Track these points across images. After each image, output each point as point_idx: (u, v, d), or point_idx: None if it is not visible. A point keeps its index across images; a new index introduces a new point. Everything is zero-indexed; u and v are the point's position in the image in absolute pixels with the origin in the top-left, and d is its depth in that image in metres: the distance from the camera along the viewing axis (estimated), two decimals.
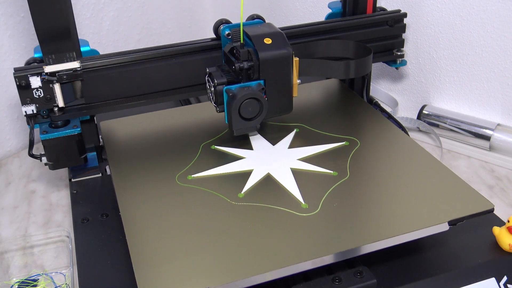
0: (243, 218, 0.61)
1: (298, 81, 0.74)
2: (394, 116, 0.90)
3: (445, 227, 0.58)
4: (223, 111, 0.71)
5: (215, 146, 0.75)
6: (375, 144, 0.74)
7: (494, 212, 0.70)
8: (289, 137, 0.76)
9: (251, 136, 0.77)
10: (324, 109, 0.82)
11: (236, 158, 0.72)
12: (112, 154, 0.74)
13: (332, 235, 0.58)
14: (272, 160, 0.72)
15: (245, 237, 0.58)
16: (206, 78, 0.72)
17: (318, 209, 0.62)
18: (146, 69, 0.76)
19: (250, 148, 0.74)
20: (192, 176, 0.69)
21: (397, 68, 0.99)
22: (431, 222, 0.58)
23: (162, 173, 0.69)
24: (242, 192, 0.66)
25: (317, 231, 0.59)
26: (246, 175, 0.69)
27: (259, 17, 0.78)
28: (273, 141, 0.76)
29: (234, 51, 0.72)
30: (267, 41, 0.69)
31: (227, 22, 0.77)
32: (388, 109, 1.03)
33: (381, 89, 1.09)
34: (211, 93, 0.72)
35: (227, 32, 0.75)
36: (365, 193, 0.64)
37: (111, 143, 0.76)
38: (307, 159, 0.71)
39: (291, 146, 0.74)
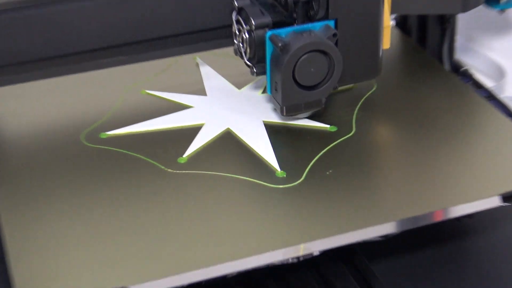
0: (182, 193, 0.50)
1: (391, 22, 0.60)
2: (498, 97, 0.68)
3: (495, 201, 0.50)
4: (264, 73, 0.53)
5: (147, 91, 0.62)
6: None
7: None
8: (264, 78, 0.57)
9: (203, 74, 0.63)
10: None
11: (179, 107, 0.59)
12: None
13: (321, 215, 0.47)
14: (236, 110, 0.59)
15: (183, 221, 0.47)
16: (235, 18, 0.55)
17: (302, 178, 0.52)
18: (60, 13, 0.57)
19: (203, 93, 0.61)
20: (107, 133, 0.56)
21: (502, 11, 0.71)
22: (478, 195, 0.50)
23: (62, 132, 0.56)
24: (184, 156, 0.54)
25: (298, 210, 0.48)
26: (192, 131, 0.56)
27: None
28: (239, 84, 0.62)
29: None
30: None
31: None
32: (489, 84, 0.78)
33: (477, 48, 0.85)
34: (242, 42, 0.54)
35: None
36: (378, 156, 0.55)
37: None
38: None
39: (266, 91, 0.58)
